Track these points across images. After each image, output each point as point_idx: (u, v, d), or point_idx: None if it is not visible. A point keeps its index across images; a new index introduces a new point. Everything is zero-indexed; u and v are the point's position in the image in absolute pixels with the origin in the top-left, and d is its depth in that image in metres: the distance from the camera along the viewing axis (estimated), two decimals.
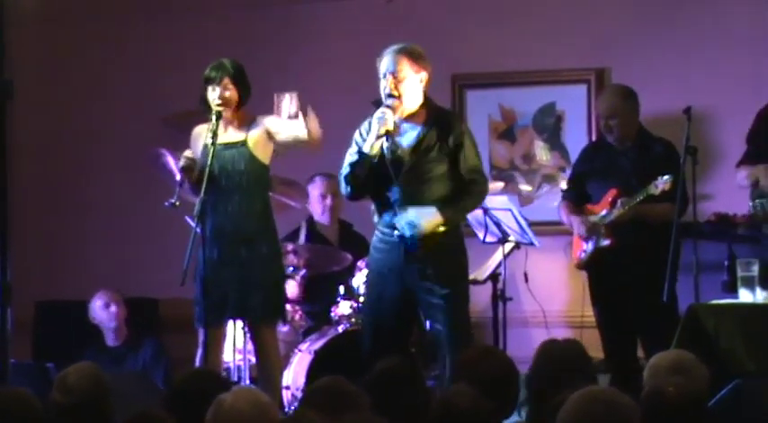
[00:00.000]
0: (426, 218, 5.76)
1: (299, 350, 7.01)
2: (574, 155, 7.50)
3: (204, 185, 5.93)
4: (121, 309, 7.73)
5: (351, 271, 7.26)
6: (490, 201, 6.76)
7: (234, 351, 6.48)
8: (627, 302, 6.73)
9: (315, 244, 7.51)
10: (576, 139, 7.79)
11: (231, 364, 6.65)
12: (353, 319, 7.07)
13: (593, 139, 7.62)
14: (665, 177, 6.49)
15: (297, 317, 7.36)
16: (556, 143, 7.97)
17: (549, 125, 7.97)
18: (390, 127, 5.79)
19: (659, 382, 4.20)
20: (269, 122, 6.04)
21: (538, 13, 7.96)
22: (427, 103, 5.92)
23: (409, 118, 5.89)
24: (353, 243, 7.53)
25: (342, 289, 7.21)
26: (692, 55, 7.69)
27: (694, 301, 5.90)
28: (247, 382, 6.52)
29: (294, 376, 6.87)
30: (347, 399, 4.03)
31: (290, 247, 7.24)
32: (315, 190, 7.72)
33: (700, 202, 6.47)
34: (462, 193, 5.88)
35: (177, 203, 5.99)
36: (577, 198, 7.04)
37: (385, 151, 5.83)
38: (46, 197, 8.62)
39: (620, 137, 6.89)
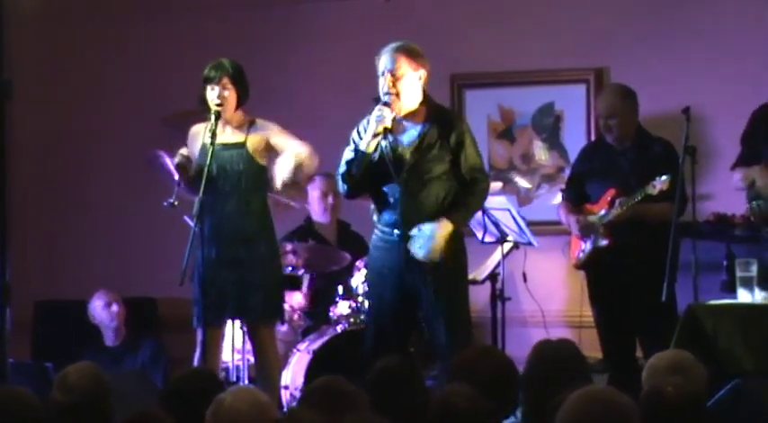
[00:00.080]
0: (438, 232, 5.74)
1: (298, 350, 7.01)
2: (573, 155, 7.50)
3: (203, 185, 5.93)
4: (121, 309, 7.73)
5: (349, 271, 7.26)
6: (489, 201, 6.74)
7: (233, 351, 6.49)
8: (625, 302, 6.72)
9: (314, 244, 7.51)
10: (575, 138, 7.79)
11: (230, 364, 6.66)
12: (352, 319, 7.08)
13: (592, 138, 7.62)
14: (663, 177, 6.49)
15: (295, 317, 7.35)
16: (555, 143, 7.97)
17: (548, 125, 7.97)
18: (388, 125, 5.79)
19: (658, 381, 4.20)
20: (275, 138, 6.06)
21: (537, 13, 7.95)
22: (427, 101, 5.92)
23: (409, 116, 5.88)
24: (352, 243, 7.53)
25: (340, 289, 7.21)
26: (691, 55, 7.69)
27: (693, 301, 5.90)
28: (246, 381, 6.53)
29: (293, 376, 6.87)
30: (346, 398, 4.04)
31: (289, 247, 7.24)
32: (315, 189, 7.70)
33: (698, 202, 6.45)
34: (465, 193, 5.88)
35: (176, 203, 6.00)
36: (576, 198, 7.04)
37: (385, 149, 5.83)
38: (45, 197, 8.61)
39: (620, 137, 6.90)
